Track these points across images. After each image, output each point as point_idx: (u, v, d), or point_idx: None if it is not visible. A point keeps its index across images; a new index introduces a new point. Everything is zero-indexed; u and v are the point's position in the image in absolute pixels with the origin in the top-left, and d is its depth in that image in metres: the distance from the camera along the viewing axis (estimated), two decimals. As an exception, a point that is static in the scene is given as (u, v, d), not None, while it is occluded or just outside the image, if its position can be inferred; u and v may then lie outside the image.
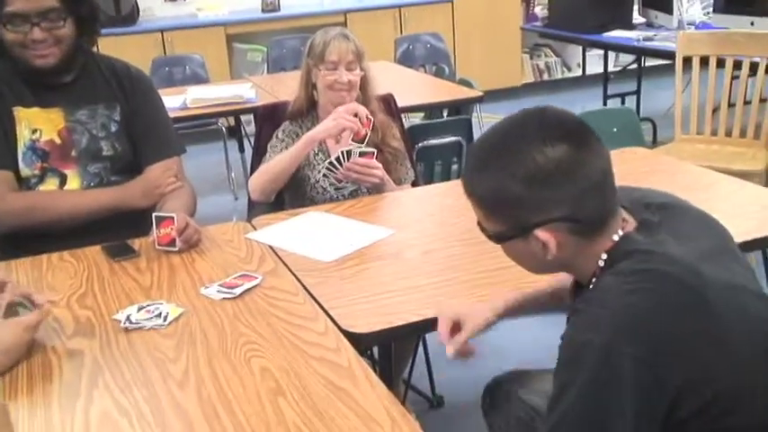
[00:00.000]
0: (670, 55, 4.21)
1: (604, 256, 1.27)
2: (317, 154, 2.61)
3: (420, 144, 3.18)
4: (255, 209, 2.73)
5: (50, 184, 2.21)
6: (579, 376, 1.17)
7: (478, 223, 1.35)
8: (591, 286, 1.29)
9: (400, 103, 3.04)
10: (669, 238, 1.27)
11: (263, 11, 6.45)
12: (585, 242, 1.27)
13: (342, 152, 2.41)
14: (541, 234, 1.25)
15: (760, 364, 1.23)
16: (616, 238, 1.28)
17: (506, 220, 1.28)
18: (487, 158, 1.28)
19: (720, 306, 1.21)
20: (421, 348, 2.73)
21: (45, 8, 2.09)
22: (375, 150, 2.46)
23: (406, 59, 5.74)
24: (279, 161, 2.51)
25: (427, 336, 2.68)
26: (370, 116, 2.47)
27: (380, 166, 2.46)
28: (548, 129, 1.24)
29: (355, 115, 2.47)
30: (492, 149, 1.29)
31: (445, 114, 4.11)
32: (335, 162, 2.43)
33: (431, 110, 4.26)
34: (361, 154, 2.42)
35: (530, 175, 1.22)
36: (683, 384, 1.16)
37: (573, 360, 1.19)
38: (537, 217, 1.24)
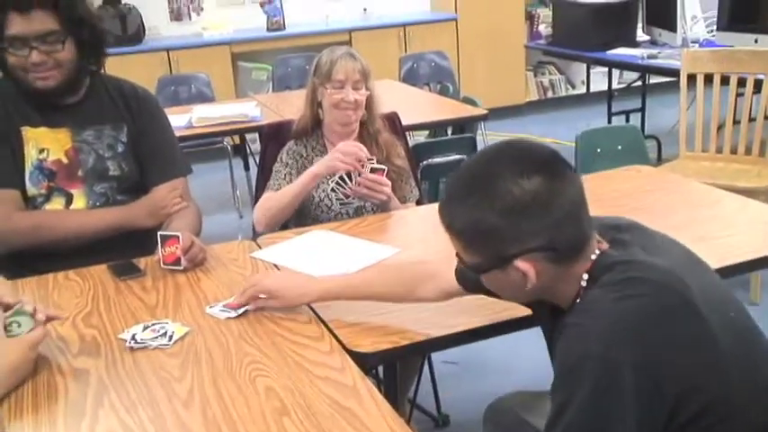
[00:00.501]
0: (674, 72, 4.22)
1: (586, 276, 1.30)
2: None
3: (424, 162, 3.19)
4: (260, 228, 2.74)
5: (57, 203, 2.22)
6: (580, 388, 1.18)
7: (457, 255, 1.37)
8: (578, 301, 1.31)
9: (405, 121, 3.05)
10: (640, 251, 1.32)
11: (268, 30, 6.49)
12: (564, 268, 1.30)
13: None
14: (520, 264, 1.27)
15: (749, 370, 1.25)
16: (593, 257, 1.31)
17: (485, 252, 1.31)
18: (464, 191, 1.31)
19: (705, 308, 1.23)
20: (426, 367, 2.73)
21: (44, 31, 2.10)
22: (386, 168, 2.46)
23: (411, 78, 5.77)
24: (282, 196, 2.50)
25: (432, 355, 2.68)
26: (371, 158, 2.46)
27: (389, 183, 2.46)
28: (523, 161, 1.27)
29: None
30: (468, 182, 1.31)
31: (449, 132, 4.12)
32: (346, 177, 2.43)
33: (435, 128, 4.27)
34: (372, 170, 2.43)
35: (507, 207, 1.24)
36: (681, 389, 1.18)
37: (571, 373, 1.20)
38: (515, 248, 1.27)
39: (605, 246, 1.34)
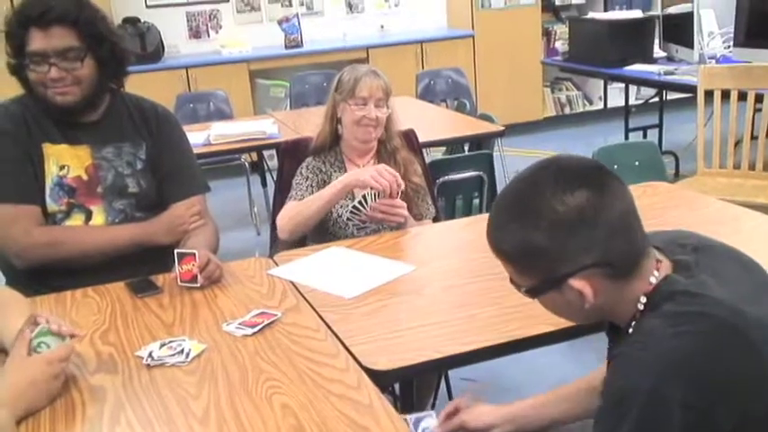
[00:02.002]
0: (691, 89, 4.21)
1: (643, 299, 1.26)
2: (339, 189, 2.61)
3: (441, 179, 3.18)
4: (278, 244, 2.74)
5: (76, 219, 2.24)
6: (625, 423, 1.15)
7: (511, 280, 1.34)
8: (631, 329, 1.27)
9: (421, 138, 3.06)
10: (709, 278, 1.25)
11: (285, 47, 6.53)
12: (621, 285, 1.26)
13: (365, 194, 2.42)
14: (575, 283, 1.24)
15: None
16: (653, 280, 1.26)
17: (537, 274, 1.28)
18: (508, 215, 1.28)
19: (765, 347, 1.18)
20: (443, 384, 2.71)
21: (63, 48, 2.13)
22: (400, 190, 2.46)
23: (428, 94, 5.78)
24: (310, 203, 2.50)
25: (450, 371, 2.66)
26: (402, 186, 2.45)
27: (404, 205, 2.46)
28: (564, 177, 1.24)
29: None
30: (512, 205, 1.29)
31: (466, 149, 4.12)
32: (358, 205, 2.43)
33: (452, 145, 4.28)
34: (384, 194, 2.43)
35: (552, 225, 1.22)
36: (732, 428, 1.14)
37: (617, 406, 1.17)
38: (567, 267, 1.23)
39: (667, 267, 1.29)
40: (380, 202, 2.42)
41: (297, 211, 2.52)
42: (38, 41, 2.12)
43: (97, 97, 2.25)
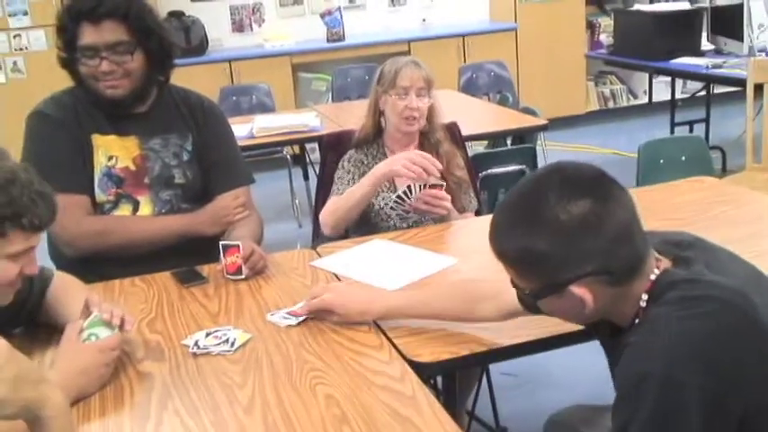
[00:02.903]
0: (740, 82, 4.15)
1: (645, 296, 1.28)
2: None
3: (484, 173, 3.18)
4: (320, 237, 2.76)
5: (124, 209, 2.28)
6: (642, 408, 1.15)
7: (512, 282, 1.36)
8: (636, 321, 1.28)
9: (464, 131, 3.05)
10: (705, 269, 1.28)
11: (327, 40, 6.55)
12: (622, 289, 1.28)
13: (411, 185, 2.42)
14: (576, 290, 1.25)
15: None
16: (653, 277, 1.28)
17: (538, 279, 1.30)
18: (512, 220, 1.30)
19: None
20: (485, 379, 2.71)
21: (114, 41, 2.17)
22: (444, 183, 2.46)
23: (470, 88, 5.76)
24: (349, 196, 2.51)
25: (491, 366, 2.66)
26: (439, 167, 2.44)
27: (448, 197, 2.46)
28: (569, 185, 1.26)
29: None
30: (515, 210, 1.31)
31: (509, 143, 4.10)
32: (403, 195, 2.44)
33: (495, 138, 4.26)
34: (431, 186, 2.43)
35: (555, 233, 1.23)
36: (746, 408, 1.15)
37: (633, 393, 1.18)
38: (568, 273, 1.25)
39: (668, 263, 1.32)
40: (425, 192, 2.42)
41: (337, 206, 2.54)
42: (89, 35, 2.16)
43: (146, 90, 2.29)
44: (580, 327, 1.66)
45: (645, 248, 1.29)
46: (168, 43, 2.30)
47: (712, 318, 1.19)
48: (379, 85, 2.62)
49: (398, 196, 2.45)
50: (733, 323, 1.19)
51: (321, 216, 2.59)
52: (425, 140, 2.65)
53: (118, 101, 2.23)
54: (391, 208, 2.53)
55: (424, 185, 2.41)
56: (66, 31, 2.18)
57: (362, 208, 2.52)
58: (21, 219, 1.44)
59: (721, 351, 1.16)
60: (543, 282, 1.29)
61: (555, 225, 1.23)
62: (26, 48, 5.88)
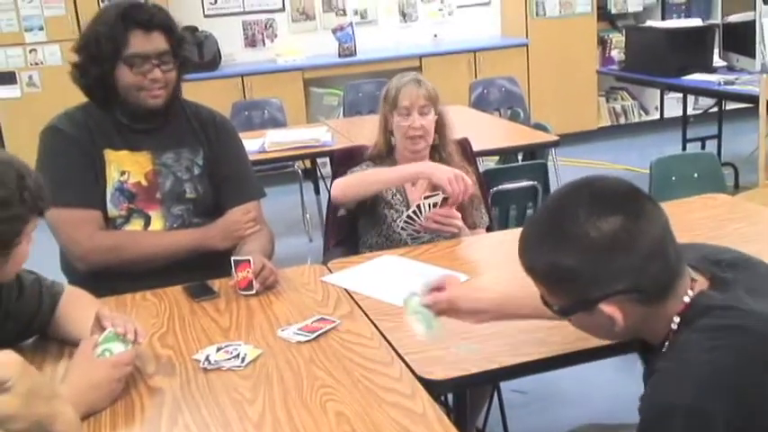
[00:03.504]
0: (753, 99, 4.14)
1: (677, 319, 1.25)
2: (396, 194, 2.63)
3: (495, 188, 3.17)
4: (331, 251, 2.76)
5: (136, 224, 2.29)
6: None
7: (542, 298, 1.34)
8: (666, 346, 1.26)
9: (475, 147, 3.05)
10: (745, 294, 1.24)
11: (339, 56, 6.58)
12: (653, 308, 1.25)
13: (420, 204, 2.42)
14: (606, 308, 1.23)
15: None
16: (687, 299, 1.25)
17: (568, 296, 1.28)
18: (542, 236, 1.29)
19: None
20: (495, 396, 2.70)
21: (161, 50, 2.22)
22: (441, 196, 2.45)
23: (481, 103, 5.76)
24: (377, 174, 2.53)
25: (501, 383, 2.65)
26: (436, 193, 2.43)
27: (459, 215, 2.46)
28: (600, 201, 1.24)
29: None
30: (546, 226, 1.29)
31: (520, 158, 4.10)
32: (412, 215, 2.43)
33: (506, 154, 4.26)
34: (436, 204, 2.42)
35: (585, 250, 1.21)
36: None
37: (658, 422, 1.16)
38: (599, 291, 1.23)
39: (703, 285, 1.28)
40: (435, 212, 2.41)
41: (359, 178, 2.55)
42: (142, 44, 2.20)
43: (174, 101, 2.32)
44: (590, 345, 1.66)
45: (678, 267, 1.26)
46: (190, 56, 2.35)
47: (743, 350, 1.16)
48: (385, 104, 2.64)
49: (408, 216, 2.45)
50: (764, 356, 1.16)
51: (338, 180, 2.59)
52: (436, 155, 2.66)
53: (156, 111, 2.27)
54: (402, 228, 2.53)
55: (435, 204, 2.41)
56: (116, 40, 2.19)
57: (377, 190, 2.54)
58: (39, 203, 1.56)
59: (751, 384, 1.14)
60: (572, 299, 1.27)
61: (585, 242, 1.21)
62: (41, 62, 5.93)
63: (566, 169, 5.13)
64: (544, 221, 1.30)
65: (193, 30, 6.25)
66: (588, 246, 1.21)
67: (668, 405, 1.14)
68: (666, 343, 1.26)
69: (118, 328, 1.62)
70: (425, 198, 2.42)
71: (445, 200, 2.43)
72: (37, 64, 5.94)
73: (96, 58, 2.21)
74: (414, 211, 2.43)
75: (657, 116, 7.40)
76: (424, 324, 1.66)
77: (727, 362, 1.15)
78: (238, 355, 1.73)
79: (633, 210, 1.23)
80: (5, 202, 1.49)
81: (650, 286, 1.22)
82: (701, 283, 1.28)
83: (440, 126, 2.63)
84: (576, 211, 1.23)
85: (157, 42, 2.22)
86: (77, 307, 1.82)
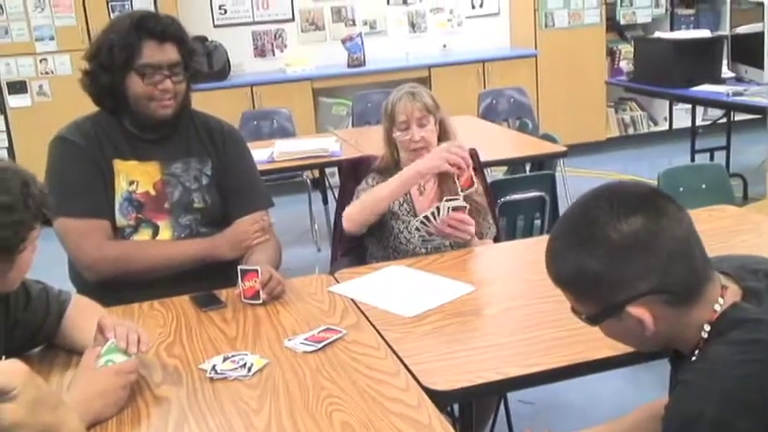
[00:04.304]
0: (761, 110, 4.13)
1: (707, 327, 1.24)
2: (402, 204, 2.63)
3: (503, 199, 3.17)
4: (338, 261, 2.77)
5: (144, 234, 2.29)
6: None
7: (572, 308, 1.34)
8: (695, 356, 1.25)
9: (483, 157, 3.05)
10: None
11: (348, 66, 6.59)
12: (683, 312, 1.24)
13: (439, 205, 2.42)
14: (634, 310, 1.23)
15: None
16: (717, 308, 1.24)
17: (596, 302, 1.27)
18: (565, 243, 1.29)
19: None
20: (501, 406, 2.69)
21: (173, 61, 2.24)
22: (467, 205, 2.45)
23: (490, 114, 5.77)
24: (379, 190, 2.53)
25: (509, 394, 2.64)
26: (453, 197, 2.44)
27: (473, 222, 2.46)
28: (619, 203, 1.24)
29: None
30: (567, 233, 1.30)
31: (528, 169, 4.10)
32: (430, 216, 2.43)
33: (514, 164, 4.26)
34: (455, 209, 2.43)
35: (607, 252, 1.22)
36: None
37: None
38: (625, 294, 1.23)
39: (736, 294, 1.27)
40: (451, 216, 2.40)
41: (363, 198, 2.55)
42: (154, 54, 2.21)
43: (183, 112, 2.33)
44: (597, 356, 1.65)
45: (705, 269, 1.25)
46: (197, 69, 2.36)
47: None
48: (385, 120, 2.65)
49: (425, 217, 2.44)
50: None
51: (346, 211, 2.59)
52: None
53: (166, 121, 2.28)
54: (416, 229, 2.50)
55: (454, 209, 2.41)
56: (129, 49, 2.20)
57: (387, 205, 2.54)
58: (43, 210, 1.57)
59: None
60: (600, 304, 1.27)
61: (607, 244, 1.21)
62: (52, 72, 5.97)
63: (574, 180, 5.12)
64: (567, 230, 1.30)
65: (203, 39, 6.29)
66: (610, 248, 1.21)
67: (693, 415, 1.14)
68: (696, 351, 1.25)
69: (119, 342, 1.63)
70: (446, 200, 2.42)
71: (463, 207, 2.43)
72: (47, 73, 5.98)
73: (108, 66, 2.23)
74: (432, 213, 2.42)
75: (666, 127, 7.39)
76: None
77: (757, 377, 1.14)
78: (245, 365, 1.73)
79: (654, 209, 1.23)
80: (9, 208, 1.50)
81: (676, 287, 1.22)
82: (734, 291, 1.27)
83: (442, 133, 2.63)
84: (596, 215, 1.24)
85: (170, 53, 2.23)
86: (85, 316, 1.83)
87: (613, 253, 1.21)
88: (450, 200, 2.42)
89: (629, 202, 1.24)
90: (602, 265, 1.22)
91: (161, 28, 2.22)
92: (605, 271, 1.22)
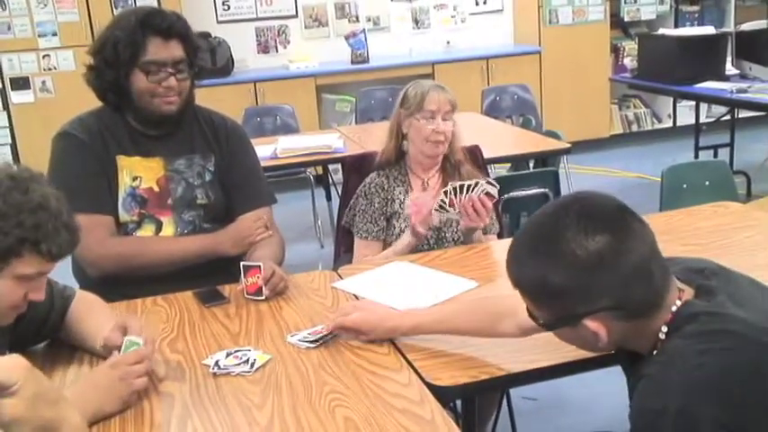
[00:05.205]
0: (765, 107, 4.12)
1: (665, 329, 1.26)
2: (404, 202, 2.63)
3: (506, 195, 3.17)
4: (341, 258, 2.77)
5: (147, 230, 2.30)
6: None
7: (527, 310, 1.36)
8: (654, 353, 1.27)
9: (486, 154, 3.05)
10: (728, 300, 1.26)
11: (352, 62, 6.59)
12: (640, 322, 1.27)
13: (475, 181, 2.40)
14: (590, 324, 1.25)
15: None
16: (674, 308, 1.27)
17: (553, 310, 1.30)
18: (529, 250, 1.30)
19: None
20: (504, 402, 2.69)
21: (177, 58, 2.24)
22: (496, 196, 2.45)
23: (493, 110, 5.76)
24: (382, 258, 2.49)
25: (511, 390, 2.64)
26: (488, 179, 2.43)
27: (492, 213, 2.44)
28: (588, 219, 1.25)
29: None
30: (533, 241, 1.31)
31: (531, 166, 4.10)
32: (457, 189, 2.39)
33: (517, 161, 4.26)
34: (487, 194, 2.41)
35: (572, 267, 1.23)
36: None
37: (648, 430, 1.17)
38: (583, 307, 1.25)
39: (689, 294, 1.30)
40: (480, 197, 2.39)
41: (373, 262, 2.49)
42: (159, 51, 2.21)
43: (187, 109, 2.33)
44: (602, 353, 1.65)
45: (665, 283, 1.28)
46: (202, 66, 2.36)
47: (731, 353, 1.17)
48: (404, 108, 2.62)
49: (454, 187, 2.39)
50: (753, 359, 1.17)
51: (363, 255, 2.58)
52: (447, 162, 2.66)
53: (170, 118, 2.28)
54: (439, 207, 2.43)
55: (486, 192, 2.39)
56: (134, 45, 2.20)
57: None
58: (40, 244, 1.46)
59: (739, 386, 1.15)
60: (557, 313, 1.29)
61: (571, 259, 1.23)
62: (55, 68, 5.97)
63: (578, 177, 5.12)
64: (533, 237, 1.32)
65: (206, 35, 6.28)
66: (575, 263, 1.23)
67: (657, 410, 1.15)
68: (654, 351, 1.27)
69: (137, 338, 1.63)
70: (487, 182, 2.40)
71: (493, 196, 2.42)
72: (50, 69, 5.98)
73: (113, 62, 2.23)
74: (468, 185, 2.38)
75: (670, 124, 7.38)
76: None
77: (714, 365, 1.16)
78: (248, 361, 1.73)
79: (620, 228, 1.25)
80: (2, 215, 1.47)
81: (634, 304, 1.25)
82: (688, 292, 1.30)
83: (452, 136, 2.63)
84: (564, 229, 1.25)
85: (174, 50, 2.23)
86: (89, 312, 1.83)
87: (577, 269, 1.23)
88: (490, 183, 2.40)
89: (596, 219, 1.25)
90: (564, 279, 1.24)
91: (166, 25, 2.22)
92: (567, 285, 1.24)
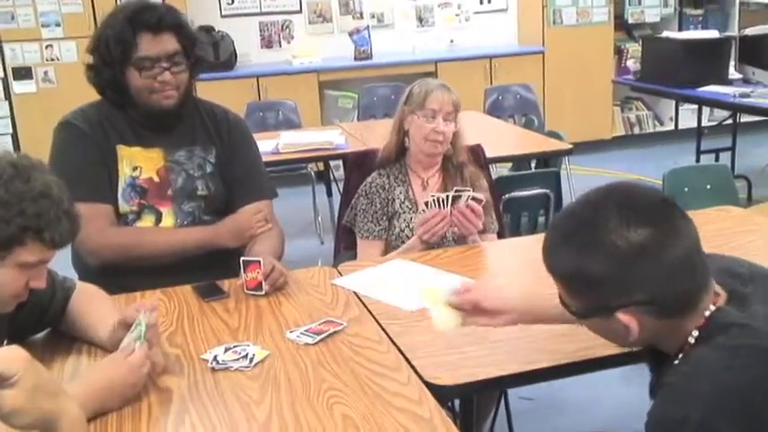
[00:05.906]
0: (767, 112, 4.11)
1: (695, 333, 1.24)
2: (404, 202, 2.62)
3: (507, 195, 3.17)
4: (341, 254, 2.76)
5: (147, 220, 2.30)
6: None
7: (560, 297, 1.34)
8: (680, 358, 1.25)
9: (488, 153, 3.05)
10: (763, 310, 1.23)
11: (355, 59, 6.58)
12: (673, 321, 1.24)
13: (457, 192, 2.39)
14: (623, 317, 1.23)
15: None
16: (707, 313, 1.24)
17: (587, 300, 1.27)
18: (568, 238, 1.27)
19: None
20: (503, 403, 2.69)
21: (171, 52, 2.22)
22: (484, 199, 2.43)
23: (496, 110, 5.76)
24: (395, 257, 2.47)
25: (509, 390, 2.64)
26: (466, 189, 2.41)
27: (483, 217, 2.43)
28: (631, 210, 1.22)
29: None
30: (573, 230, 1.28)
31: (533, 166, 4.09)
32: (445, 198, 2.38)
33: (519, 161, 4.25)
34: (475, 200, 2.40)
35: (611, 258, 1.20)
36: None
37: None
38: (618, 299, 1.23)
39: (724, 297, 1.27)
40: (468, 205, 2.37)
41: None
42: (151, 47, 2.20)
43: (186, 101, 2.32)
44: (598, 354, 1.65)
45: (703, 283, 1.25)
46: (203, 56, 2.35)
47: (756, 370, 1.15)
48: (407, 105, 2.62)
49: (436, 199, 2.39)
50: None
51: (370, 254, 2.57)
52: (449, 164, 2.65)
53: (168, 112, 2.27)
54: (423, 210, 2.44)
55: (474, 198, 2.38)
56: (124, 43, 2.19)
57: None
58: (43, 232, 1.46)
59: (760, 404, 1.13)
60: (591, 303, 1.27)
61: (611, 250, 1.20)
62: (57, 58, 5.97)
63: (579, 178, 5.11)
64: (572, 224, 1.29)
65: (209, 29, 6.28)
66: (615, 254, 1.20)
67: (677, 419, 1.14)
68: (680, 355, 1.25)
69: (143, 324, 1.61)
70: (469, 193, 2.39)
71: (480, 200, 2.40)
72: (53, 60, 5.97)
73: (107, 61, 2.22)
74: (448, 196, 2.37)
75: (672, 127, 7.38)
76: (446, 318, 1.65)
77: (741, 382, 1.14)
78: (246, 356, 1.73)
79: (664, 221, 1.22)
80: (4, 203, 1.47)
81: (670, 301, 1.22)
82: (722, 297, 1.27)
83: (454, 136, 2.62)
84: (605, 219, 1.22)
85: (167, 44, 2.21)
86: (90, 303, 1.83)
87: (617, 260, 1.20)
88: (474, 197, 2.39)
89: (640, 211, 1.22)
90: (602, 270, 1.21)
91: (155, 19, 2.19)
92: (605, 276, 1.22)
